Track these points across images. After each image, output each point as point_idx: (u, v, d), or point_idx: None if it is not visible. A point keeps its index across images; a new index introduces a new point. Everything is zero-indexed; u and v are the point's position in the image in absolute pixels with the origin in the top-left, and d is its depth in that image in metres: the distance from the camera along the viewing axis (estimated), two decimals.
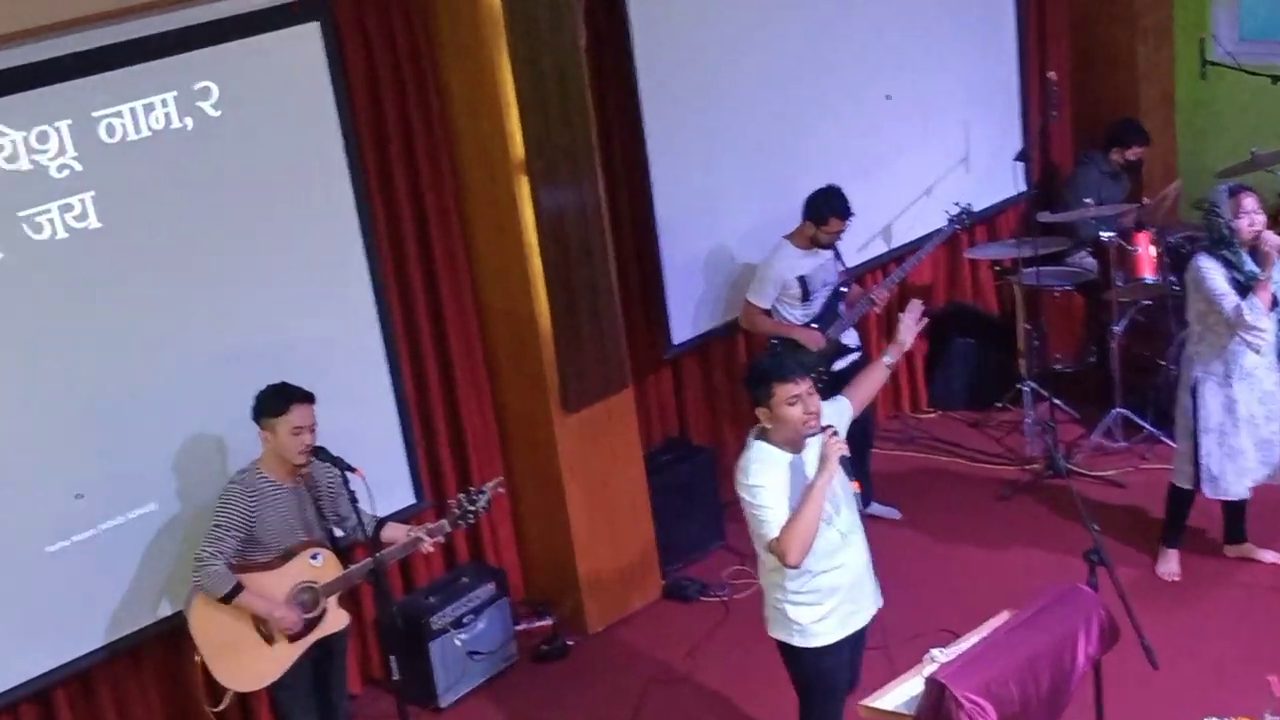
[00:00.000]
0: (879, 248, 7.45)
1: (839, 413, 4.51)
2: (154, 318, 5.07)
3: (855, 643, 4.50)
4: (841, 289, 6.48)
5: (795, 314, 6.43)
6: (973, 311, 8.08)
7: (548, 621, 6.27)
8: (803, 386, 4.18)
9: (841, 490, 4.31)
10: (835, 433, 4.21)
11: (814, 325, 6.40)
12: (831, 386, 6.40)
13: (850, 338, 6.52)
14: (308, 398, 4.74)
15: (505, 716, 5.76)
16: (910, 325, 4.80)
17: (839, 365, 6.43)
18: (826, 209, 6.31)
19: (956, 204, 6.99)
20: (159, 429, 5.11)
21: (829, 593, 4.33)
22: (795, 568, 4.20)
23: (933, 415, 7.74)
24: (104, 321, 4.97)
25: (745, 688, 5.71)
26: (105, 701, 5.15)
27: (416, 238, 5.84)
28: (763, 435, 4.31)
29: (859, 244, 7.30)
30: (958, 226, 6.98)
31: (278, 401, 4.71)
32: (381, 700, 5.78)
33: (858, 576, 4.39)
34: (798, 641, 4.39)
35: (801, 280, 6.36)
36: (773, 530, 4.16)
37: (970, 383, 7.77)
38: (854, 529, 4.37)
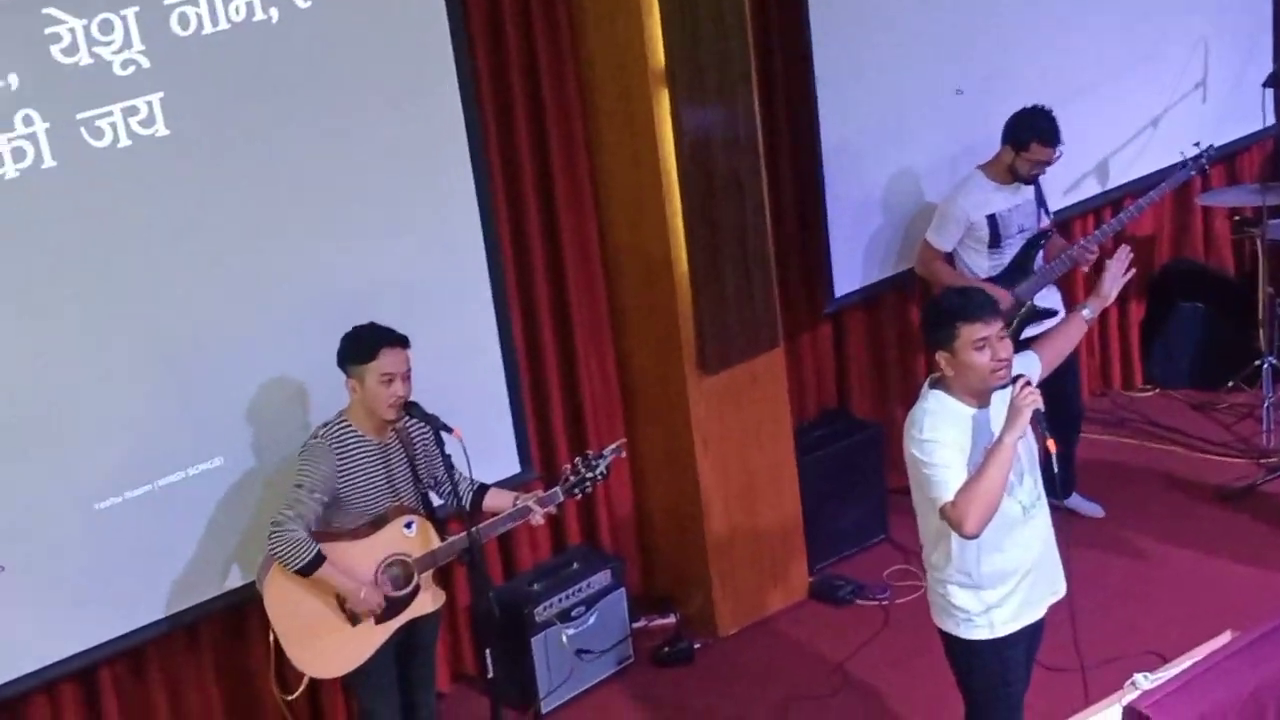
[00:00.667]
0: (1091, 189, 7.29)
1: (1027, 369, 4.41)
2: (227, 244, 5.10)
3: (1033, 637, 4.44)
4: (1040, 238, 6.37)
5: (981, 263, 6.37)
6: (1202, 271, 7.88)
7: (671, 619, 6.32)
8: (993, 329, 4.11)
9: (1025, 456, 4.25)
10: (1029, 382, 4.13)
11: (1001, 279, 6.30)
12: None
13: (1049, 299, 6.40)
14: (400, 341, 4.75)
15: None
16: (1116, 275, 4.71)
17: (1030, 332, 6.29)
18: (1029, 132, 6.17)
19: (1196, 144, 6.76)
20: (230, 372, 5.15)
21: (1004, 576, 4.27)
22: (973, 537, 4.11)
23: (1149, 393, 7.65)
24: (169, 246, 5.00)
25: (905, 709, 5.66)
26: (156, 684, 5.24)
27: (534, 164, 5.86)
28: (940, 384, 4.24)
29: (1066, 184, 7.16)
30: (1194, 172, 6.77)
31: (365, 345, 4.73)
32: (472, 701, 5.84)
33: (1039, 558, 4.34)
34: (964, 633, 4.35)
35: (992, 221, 6.28)
36: (947, 492, 4.09)
37: (1196, 356, 7.60)
38: (1037, 502, 4.33)
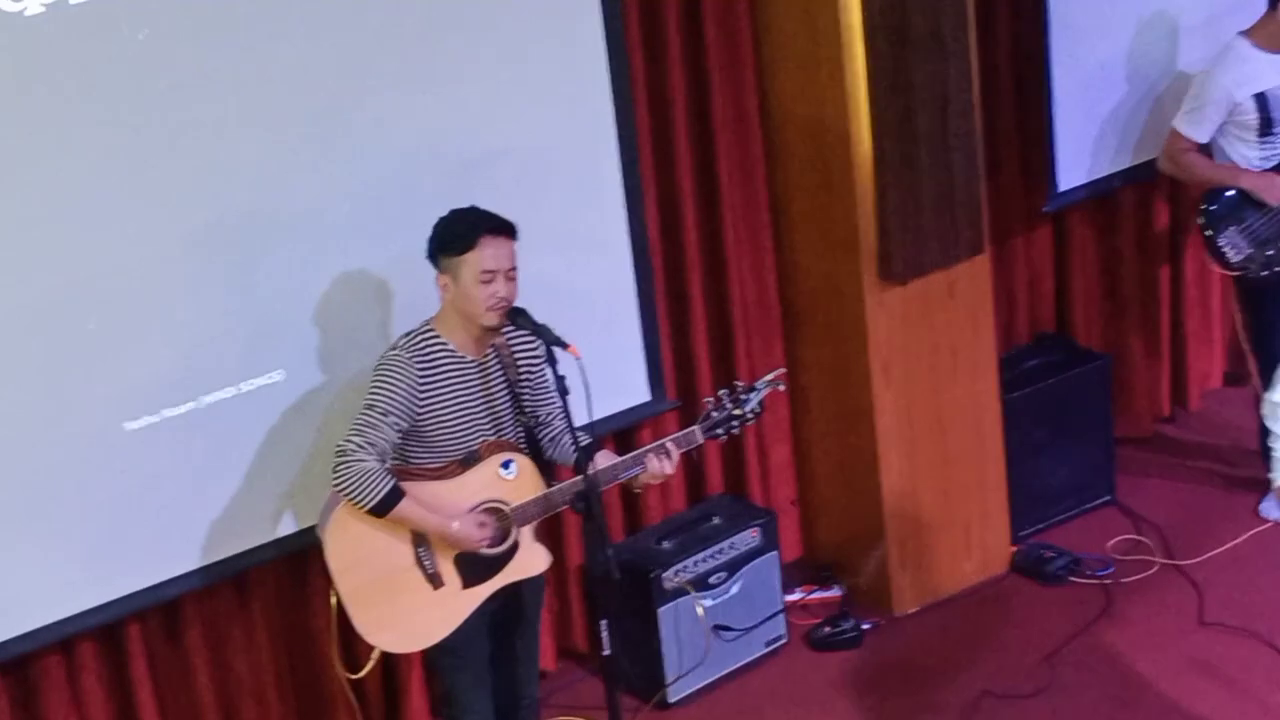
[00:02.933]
0: None
1: None
2: (294, 101, 5.07)
3: None
4: None
5: (1248, 155, 6.32)
6: None
7: (835, 592, 6.35)
8: None
9: None
10: None
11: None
12: None
13: None
14: (506, 229, 4.73)
15: None
16: None
17: None
18: None
19: None
20: (296, 266, 5.16)
21: None
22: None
23: None
24: (222, 106, 4.98)
25: (1128, 717, 5.58)
26: (194, 646, 5.28)
27: (680, 10, 5.86)
28: None
29: None
30: None
31: (462, 231, 4.70)
32: (583, 685, 5.92)
33: None
34: None
35: (1261, 101, 6.22)
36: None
37: None
38: None
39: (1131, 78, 6.66)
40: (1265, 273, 6.21)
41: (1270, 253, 6.19)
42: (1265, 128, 6.23)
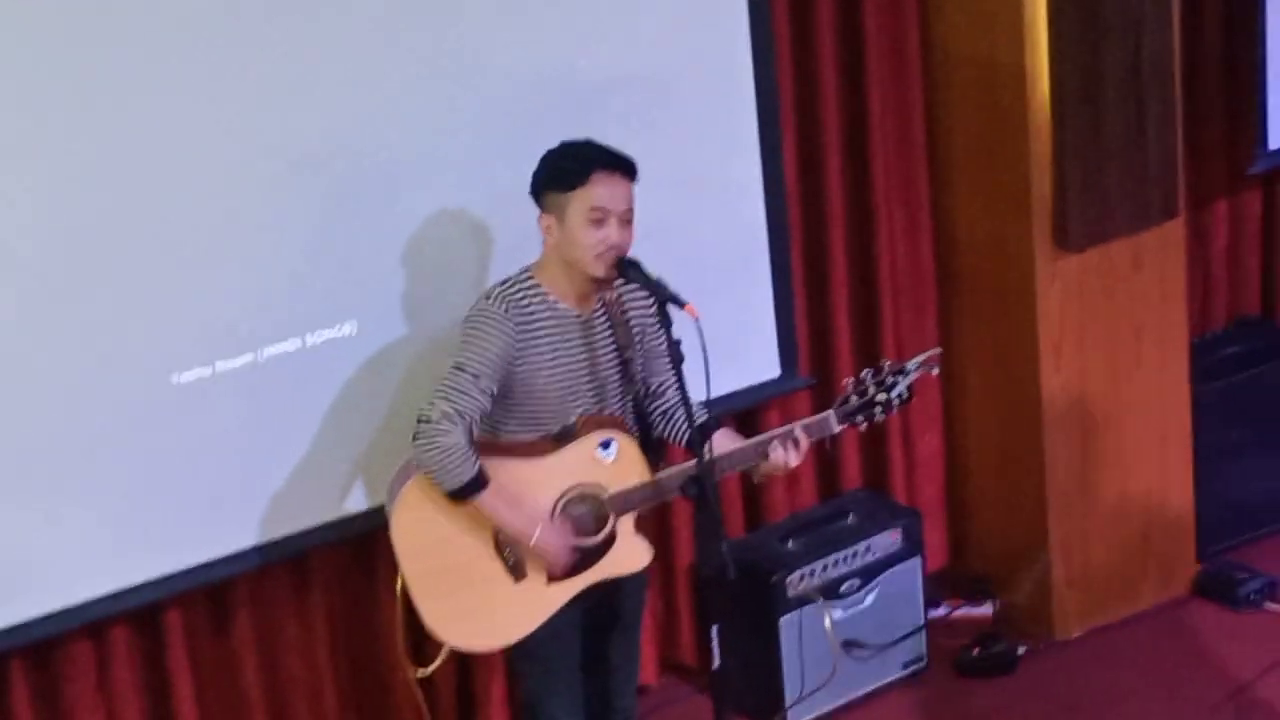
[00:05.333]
0: None
1: None
2: (382, 26, 5.08)
3: None
4: None
5: None
6: None
7: (987, 609, 6.36)
8: None
9: None
10: None
11: None
12: None
13: None
14: (624, 165, 4.70)
15: None
16: None
17: None
18: None
19: None
20: (377, 206, 5.18)
21: None
22: None
23: None
24: (291, 27, 4.97)
25: None
26: (243, 636, 5.29)
27: None
28: None
29: None
30: None
31: (573, 165, 4.67)
32: (687, 702, 5.93)
33: None
34: None
35: None
36: None
37: None
38: None
39: None
40: None
41: None
42: None
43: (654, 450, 4.89)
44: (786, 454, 4.81)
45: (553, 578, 4.77)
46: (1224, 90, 6.62)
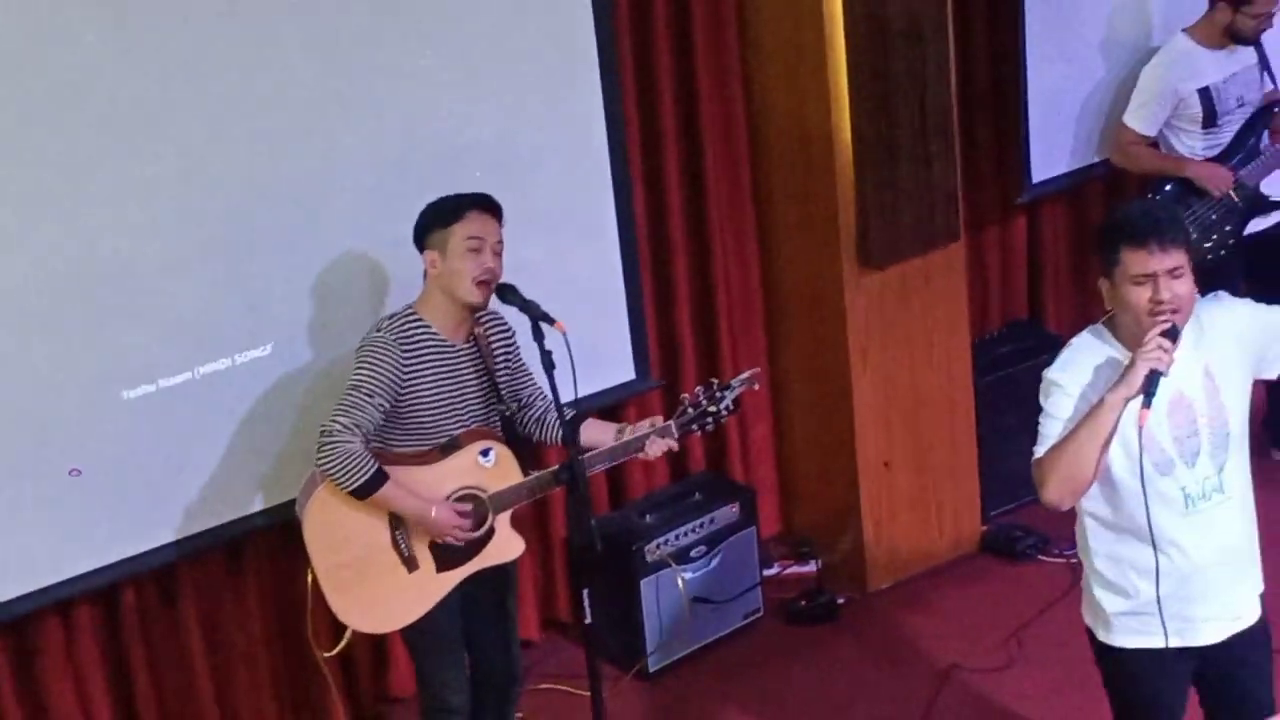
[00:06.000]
0: None
1: (1268, 326, 4.07)
2: (291, 86, 5.03)
3: (1203, 665, 4.14)
4: (1268, 112, 6.36)
5: (1194, 145, 6.34)
6: None
7: (811, 568, 6.32)
8: (1162, 261, 3.84)
9: (1209, 433, 3.99)
10: (1171, 334, 3.85)
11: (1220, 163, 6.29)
12: (1248, 260, 6.27)
13: (1276, 186, 6.38)
14: (491, 206, 4.69)
15: (739, 694, 5.78)
16: None
17: (1256, 227, 6.34)
18: None
19: None
20: (292, 244, 5.12)
21: (1147, 576, 4.02)
22: (1052, 507, 4.00)
23: None
24: (222, 89, 4.91)
25: (1091, 688, 5.42)
26: (188, 611, 5.21)
27: (668, 3, 5.84)
28: (1107, 323, 4.05)
29: None
30: None
31: (450, 206, 4.66)
32: (565, 653, 5.88)
33: (1211, 565, 4.05)
34: (1101, 634, 4.23)
35: (1204, 95, 6.23)
36: (1041, 446, 4.01)
37: None
38: (1216, 495, 4.02)
39: (1110, 72, 6.64)
40: (1210, 257, 6.20)
41: (1214, 238, 6.21)
42: (1208, 120, 6.25)
43: (525, 459, 4.84)
44: (647, 453, 4.82)
45: (443, 566, 4.70)
46: (994, 136, 6.59)
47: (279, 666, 5.42)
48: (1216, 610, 4.10)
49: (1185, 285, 3.87)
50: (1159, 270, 3.83)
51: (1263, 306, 4.13)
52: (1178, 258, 3.85)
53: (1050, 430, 3.99)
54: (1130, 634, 4.12)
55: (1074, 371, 4.00)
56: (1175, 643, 4.07)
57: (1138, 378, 3.81)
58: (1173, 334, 3.83)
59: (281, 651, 5.42)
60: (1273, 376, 4.10)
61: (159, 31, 4.80)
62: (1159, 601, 4.00)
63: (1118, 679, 4.25)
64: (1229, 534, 4.06)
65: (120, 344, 4.90)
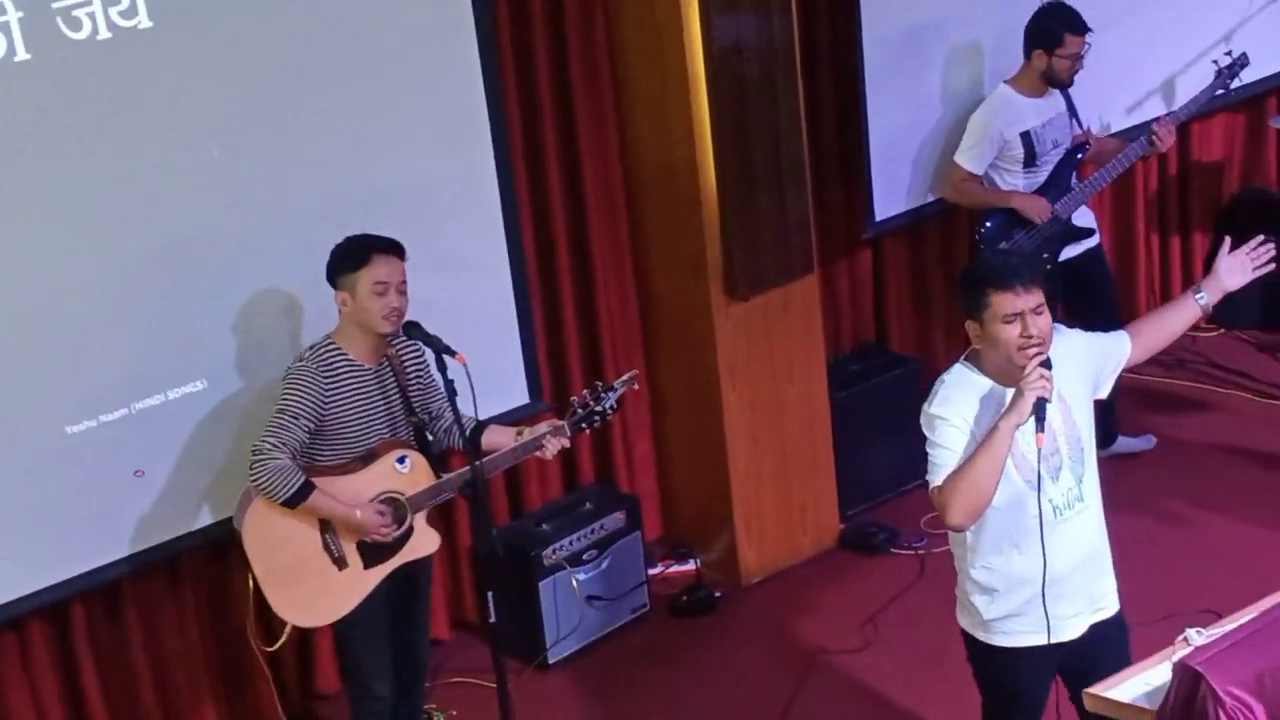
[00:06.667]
0: (1155, 110, 7.14)
1: (1103, 351, 4.19)
2: (213, 147, 5.05)
3: (1071, 656, 4.18)
4: (1077, 152, 6.43)
5: (1015, 183, 6.42)
6: (1276, 200, 7.76)
7: (690, 566, 6.33)
8: (1027, 301, 3.90)
9: (1069, 450, 4.05)
10: (1046, 363, 3.92)
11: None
12: (1063, 284, 6.28)
13: (1084, 218, 6.46)
14: (394, 248, 4.70)
15: (630, 681, 5.78)
16: (1245, 266, 4.28)
17: (1069, 253, 6.38)
18: (1057, 24, 6.19)
19: (1228, 52, 6.66)
20: (216, 287, 5.10)
21: (1018, 583, 4.09)
22: (958, 529, 4.01)
23: (1213, 333, 7.56)
24: (150, 149, 4.92)
25: (939, 666, 5.57)
26: (132, 623, 5.20)
27: (550, 64, 5.83)
28: (972, 359, 4.07)
29: (1129, 104, 7.10)
30: (1227, 84, 6.65)
31: (356, 251, 4.67)
32: (473, 649, 5.84)
33: (1074, 568, 4.11)
34: (980, 635, 4.23)
35: (1025, 138, 6.31)
36: (938, 476, 3.97)
37: (1266, 294, 7.43)
38: (1077, 504, 4.09)
39: (941, 123, 6.64)
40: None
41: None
42: (1029, 161, 6.30)
43: (438, 462, 4.90)
44: (545, 452, 4.87)
45: (370, 564, 4.73)
46: (842, 178, 6.56)
47: (216, 669, 5.40)
48: (1080, 606, 4.15)
49: (1047, 320, 3.95)
50: (1025, 309, 3.90)
51: (1094, 335, 4.22)
52: (1039, 296, 3.92)
53: (943, 460, 3.97)
54: (1008, 634, 4.14)
55: (956, 405, 3.99)
56: (1052, 637, 4.12)
57: (1027, 406, 3.86)
58: (1047, 363, 3.91)
59: (218, 655, 5.40)
60: (1105, 396, 4.19)
61: (88, 83, 4.77)
62: (1044, 603, 4.06)
63: (994, 675, 4.25)
64: (1089, 538, 4.13)
65: (62, 384, 4.89)
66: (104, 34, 4.78)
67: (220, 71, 5.01)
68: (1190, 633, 3.95)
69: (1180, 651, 3.84)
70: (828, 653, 5.77)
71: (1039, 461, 3.97)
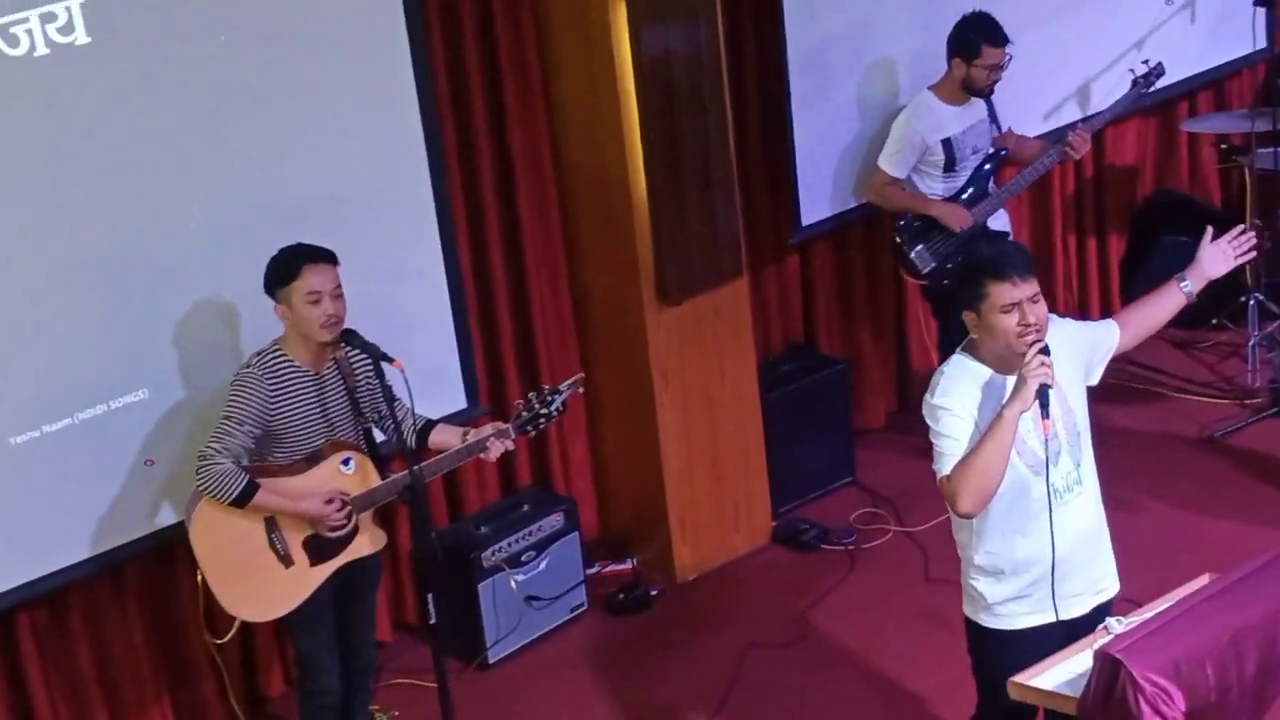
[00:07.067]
0: (1071, 115, 7.23)
1: (1093, 339, 4.24)
2: (151, 160, 5.01)
3: (1072, 635, 4.15)
4: (995, 158, 6.51)
5: (935, 187, 6.46)
6: (1187, 202, 7.86)
7: (627, 565, 6.34)
8: (1024, 290, 3.95)
9: (1067, 434, 4.10)
10: (1045, 350, 3.94)
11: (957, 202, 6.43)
12: None
13: (999, 220, 6.56)
14: (325, 256, 4.69)
15: (569, 679, 5.78)
16: (1228, 254, 4.33)
17: None
18: (976, 35, 6.24)
19: (1145, 61, 6.76)
20: (156, 298, 5.08)
21: (1023, 565, 4.13)
22: (968, 516, 4.03)
23: None
24: (90, 162, 4.91)
25: (870, 658, 5.66)
26: (78, 630, 5.18)
27: (482, 72, 5.81)
28: (970, 349, 4.11)
29: (1046, 109, 7.17)
30: (1142, 93, 6.74)
31: (287, 263, 4.66)
32: (414, 650, 5.84)
33: (1075, 549, 4.15)
34: (984, 620, 4.24)
35: (946, 144, 6.36)
36: (946, 465, 4.00)
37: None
38: (1076, 486, 4.15)
39: (863, 132, 6.65)
40: (947, 283, 6.31)
41: (949, 266, 6.30)
42: (949, 166, 6.36)
43: (383, 463, 4.91)
44: (489, 455, 4.87)
45: (315, 560, 4.73)
46: (769, 185, 6.56)
47: (159, 672, 5.38)
48: (1082, 586, 4.19)
49: (1043, 308, 3.99)
50: (1022, 298, 3.94)
51: (1084, 323, 4.28)
52: (1034, 285, 3.96)
53: (950, 449, 3.99)
54: (1015, 616, 4.16)
55: (957, 395, 4.02)
56: (1054, 617, 4.15)
57: (1030, 393, 3.90)
58: (1046, 350, 3.94)
59: (162, 657, 5.37)
60: (1095, 382, 4.24)
61: (25, 99, 4.75)
62: (1053, 583, 4.10)
63: (998, 657, 4.21)
64: (1088, 520, 4.18)
65: (4, 395, 4.85)
66: (41, 50, 4.77)
67: (157, 86, 4.99)
68: (1110, 621, 4.01)
69: (1101, 640, 3.89)
70: (760, 647, 5.78)
71: (1044, 446, 4.02)
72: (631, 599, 6.11)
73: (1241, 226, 4.42)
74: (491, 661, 5.81)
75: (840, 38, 6.57)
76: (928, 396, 4.09)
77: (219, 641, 4.97)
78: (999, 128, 6.48)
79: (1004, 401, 3.97)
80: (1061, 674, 3.97)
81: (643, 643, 5.92)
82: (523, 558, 5.85)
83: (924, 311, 6.98)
